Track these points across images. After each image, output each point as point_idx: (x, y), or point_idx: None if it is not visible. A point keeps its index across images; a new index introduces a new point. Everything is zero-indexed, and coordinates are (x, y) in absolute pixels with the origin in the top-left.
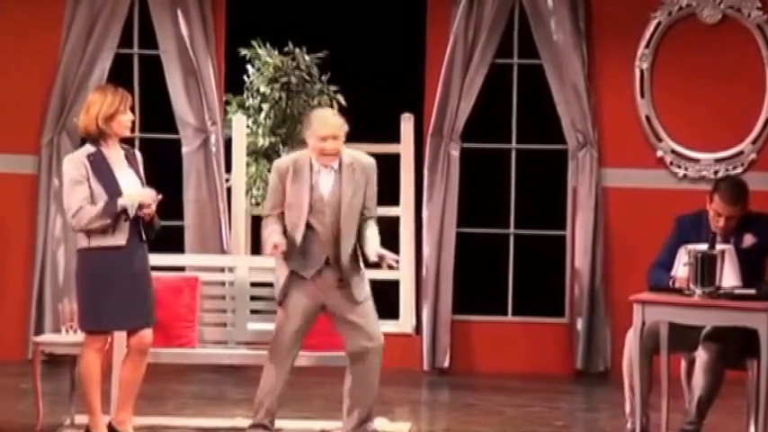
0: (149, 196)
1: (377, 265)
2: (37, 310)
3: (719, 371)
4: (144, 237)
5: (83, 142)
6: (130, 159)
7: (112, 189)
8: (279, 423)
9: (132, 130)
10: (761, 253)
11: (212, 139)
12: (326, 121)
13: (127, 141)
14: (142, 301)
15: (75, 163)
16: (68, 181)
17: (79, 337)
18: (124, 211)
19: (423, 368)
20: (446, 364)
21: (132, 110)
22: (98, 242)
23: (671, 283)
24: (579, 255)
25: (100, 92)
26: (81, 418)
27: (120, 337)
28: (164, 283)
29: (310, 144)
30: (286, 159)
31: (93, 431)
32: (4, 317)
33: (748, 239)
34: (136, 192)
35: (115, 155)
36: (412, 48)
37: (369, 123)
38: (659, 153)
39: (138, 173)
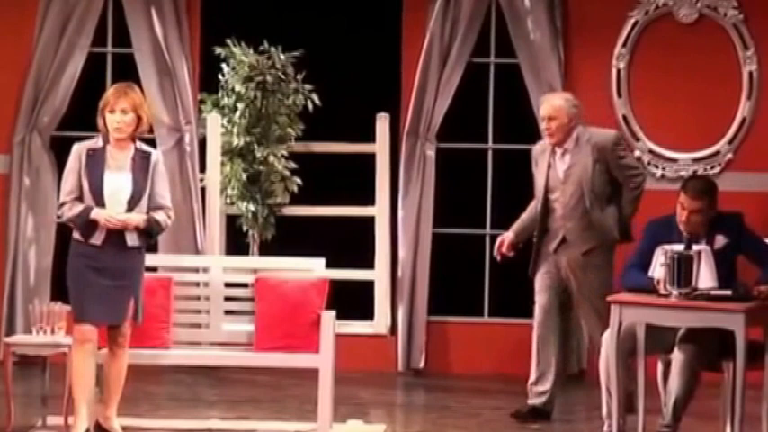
0: (115, 222)
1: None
2: (8, 310)
3: (695, 372)
4: (132, 241)
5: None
6: (137, 160)
7: (96, 189)
8: (253, 424)
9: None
10: (733, 253)
11: (186, 138)
12: None
13: None
14: (117, 299)
15: (76, 153)
16: (66, 169)
17: (50, 338)
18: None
19: (398, 369)
20: (421, 365)
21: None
22: (78, 236)
23: (656, 283)
24: None
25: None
26: (53, 420)
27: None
28: None
29: None
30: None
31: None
32: None
33: (720, 240)
34: (105, 213)
35: (121, 154)
36: (388, 47)
37: (344, 123)
38: (637, 153)
39: (137, 175)
